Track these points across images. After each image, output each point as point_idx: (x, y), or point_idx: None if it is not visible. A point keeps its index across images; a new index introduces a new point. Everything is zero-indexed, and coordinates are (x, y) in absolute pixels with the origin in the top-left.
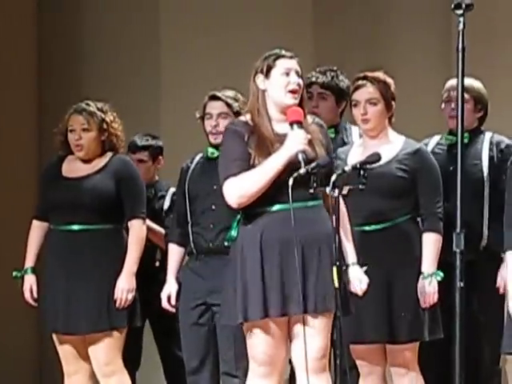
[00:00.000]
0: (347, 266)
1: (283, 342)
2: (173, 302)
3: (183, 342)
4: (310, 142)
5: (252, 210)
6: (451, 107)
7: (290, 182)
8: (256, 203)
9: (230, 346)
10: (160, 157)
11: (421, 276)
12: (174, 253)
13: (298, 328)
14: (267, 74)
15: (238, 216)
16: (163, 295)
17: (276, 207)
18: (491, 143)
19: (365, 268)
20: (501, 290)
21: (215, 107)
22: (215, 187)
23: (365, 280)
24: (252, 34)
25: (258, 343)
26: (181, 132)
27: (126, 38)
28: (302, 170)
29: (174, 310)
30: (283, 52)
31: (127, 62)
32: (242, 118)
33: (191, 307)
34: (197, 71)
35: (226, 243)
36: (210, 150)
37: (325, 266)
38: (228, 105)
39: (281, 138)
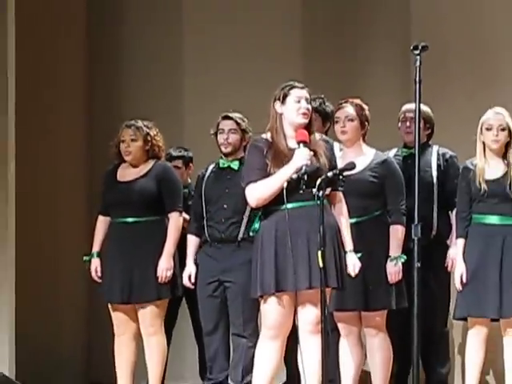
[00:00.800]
0: (345, 252)
1: (291, 312)
2: (192, 279)
3: (201, 311)
4: (316, 154)
5: (269, 208)
6: (406, 125)
7: (284, 185)
8: (272, 203)
9: (239, 313)
10: (191, 164)
11: (389, 258)
12: (192, 242)
13: (303, 299)
14: (283, 101)
15: (259, 213)
16: (185, 275)
17: (287, 206)
18: (438, 154)
19: (359, 255)
20: (449, 268)
21: (227, 124)
22: (227, 191)
23: (357, 265)
24: (257, 65)
25: (271, 311)
26: (199, 146)
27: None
28: (294, 176)
29: (193, 287)
30: (296, 83)
31: (158, 85)
32: (263, 135)
33: (207, 283)
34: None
35: (251, 234)
36: (222, 161)
37: (328, 251)
38: (237, 123)
39: (293, 152)
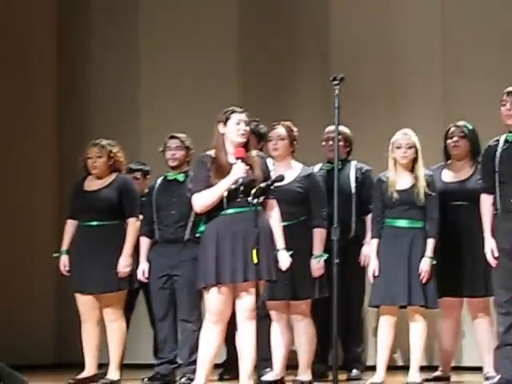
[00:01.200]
0: (277, 250)
1: (230, 301)
2: (146, 275)
3: (153, 300)
4: (252, 168)
5: (212, 213)
6: (329, 144)
7: (225, 194)
8: (214, 209)
9: (185, 302)
10: (148, 176)
11: (313, 256)
12: (145, 242)
13: (240, 290)
14: (225, 123)
15: (204, 217)
16: (139, 271)
17: (227, 211)
18: (356, 168)
19: (290, 252)
20: (362, 264)
21: (173, 143)
22: (174, 199)
23: (287, 261)
24: (201, 94)
25: (213, 300)
26: (153, 161)
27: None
28: (233, 186)
29: (146, 281)
30: (236, 109)
31: (119, 110)
32: (208, 152)
33: (158, 277)
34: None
35: (197, 235)
36: (169, 174)
37: (261, 249)
38: (182, 141)
39: (232, 166)
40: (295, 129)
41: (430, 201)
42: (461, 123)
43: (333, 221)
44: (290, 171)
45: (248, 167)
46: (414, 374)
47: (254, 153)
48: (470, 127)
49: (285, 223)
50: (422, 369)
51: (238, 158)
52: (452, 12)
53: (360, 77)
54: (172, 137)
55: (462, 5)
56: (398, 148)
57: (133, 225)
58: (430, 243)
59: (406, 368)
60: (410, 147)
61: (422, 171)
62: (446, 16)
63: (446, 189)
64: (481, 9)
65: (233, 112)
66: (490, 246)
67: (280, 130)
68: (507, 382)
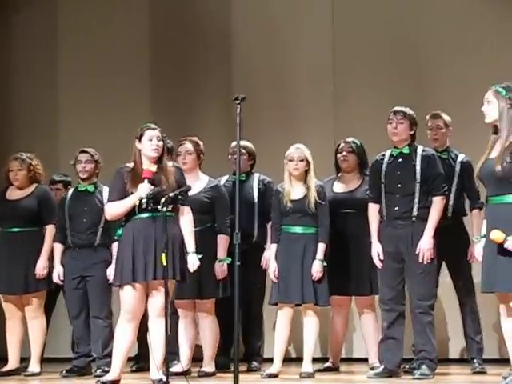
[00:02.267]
0: (188, 253)
1: (143, 299)
2: (61, 277)
3: (68, 300)
4: (166, 178)
5: (128, 218)
6: (234, 158)
7: (137, 203)
8: (130, 214)
9: (97, 300)
10: (69, 186)
11: (217, 260)
12: (58, 248)
13: (152, 289)
14: (140, 139)
15: (122, 222)
16: (54, 274)
17: (141, 216)
18: (259, 180)
19: (200, 256)
20: (264, 266)
21: (84, 156)
22: (85, 208)
23: (196, 263)
24: (116, 112)
25: (128, 298)
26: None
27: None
28: (144, 200)
29: (62, 283)
30: (150, 125)
31: (40, 127)
32: (127, 164)
33: (72, 279)
34: (82, 134)
35: (115, 237)
36: (80, 185)
37: (170, 252)
38: (91, 155)
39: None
40: (201, 143)
41: (321, 209)
42: (349, 139)
43: (235, 227)
44: (198, 182)
45: (153, 187)
46: (307, 365)
47: (170, 163)
48: (358, 143)
49: (195, 229)
50: (315, 360)
51: (144, 178)
52: (342, 35)
53: (260, 96)
54: (82, 151)
55: (352, 27)
56: (291, 161)
57: (50, 231)
58: (321, 247)
59: (300, 360)
60: (301, 160)
61: (313, 182)
62: (336, 38)
63: (336, 198)
64: (370, 31)
65: (146, 129)
66: (377, 249)
67: (188, 146)
68: (389, 371)
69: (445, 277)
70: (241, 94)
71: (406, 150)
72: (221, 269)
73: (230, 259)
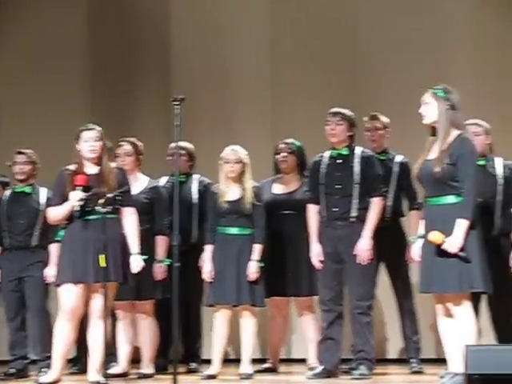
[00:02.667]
0: (131, 254)
1: (82, 300)
2: None
3: (4, 302)
4: (108, 178)
5: (70, 220)
6: (174, 159)
7: (78, 208)
8: (71, 216)
9: (34, 302)
10: (7, 187)
11: (155, 261)
12: None
13: (93, 291)
14: (78, 141)
15: (64, 224)
16: None
17: (81, 218)
18: (198, 181)
19: (144, 257)
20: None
21: (21, 158)
22: (21, 210)
23: (140, 265)
24: (55, 115)
25: (66, 298)
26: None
27: None
28: (76, 208)
29: None
30: (88, 126)
31: None
32: (69, 166)
33: (9, 280)
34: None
35: (56, 239)
36: (17, 187)
37: (110, 254)
38: (28, 157)
39: (91, 177)
40: (140, 144)
41: (257, 210)
42: (289, 140)
43: (176, 228)
44: (138, 183)
45: (84, 194)
46: (246, 366)
47: (113, 164)
48: (297, 144)
49: None
50: (254, 361)
51: (77, 186)
52: (280, 35)
53: (199, 96)
54: (19, 152)
55: (290, 27)
56: (227, 163)
57: None
58: (257, 248)
59: (238, 361)
60: (237, 162)
61: (249, 183)
62: (274, 39)
63: (275, 199)
64: (308, 30)
65: (82, 130)
66: (316, 250)
67: (126, 147)
68: (328, 371)
69: (383, 277)
70: (180, 94)
71: (344, 151)
72: (160, 270)
73: (169, 260)
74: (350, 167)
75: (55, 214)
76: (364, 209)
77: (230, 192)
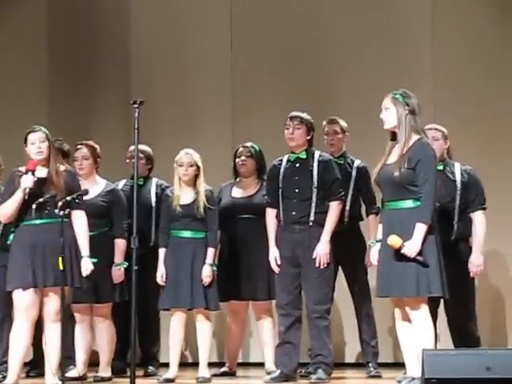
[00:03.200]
0: (82, 257)
1: (36, 303)
2: None
3: None
4: (56, 180)
5: (20, 224)
6: (132, 161)
7: (34, 206)
8: (23, 219)
9: None
10: None
11: (114, 264)
12: None
13: (46, 294)
14: (26, 143)
15: (12, 228)
16: None
17: (35, 222)
18: (156, 184)
19: (94, 260)
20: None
21: None
22: None
23: (89, 268)
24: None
25: (20, 301)
26: None
27: None
28: (27, 190)
29: None
30: (34, 128)
31: None
32: (21, 168)
33: None
34: None
35: (8, 242)
36: None
37: (67, 257)
38: None
39: (40, 180)
40: (97, 147)
41: (210, 214)
42: (248, 144)
43: (132, 231)
44: (96, 186)
45: (36, 178)
46: (204, 370)
47: (62, 167)
48: (257, 147)
49: (90, 233)
50: (212, 365)
51: (28, 170)
52: (241, 35)
53: (158, 99)
54: None
55: (250, 27)
56: (181, 166)
57: None
58: (211, 251)
59: (196, 364)
60: (191, 165)
61: (202, 187)
62: (235, 40)
63: (234, 203)
64: (269, 31)
65: (29, 132)
66: (274, 254)
67: (84, 151)
68: (286, 375)
69: (341, 281)
70: (139, 96)
71: (303, 155)
72: (118, 273)
73: (126, 263)
74: (309, 171)
75: (6, 207)
76: (322, 213)
77: (183, 195)
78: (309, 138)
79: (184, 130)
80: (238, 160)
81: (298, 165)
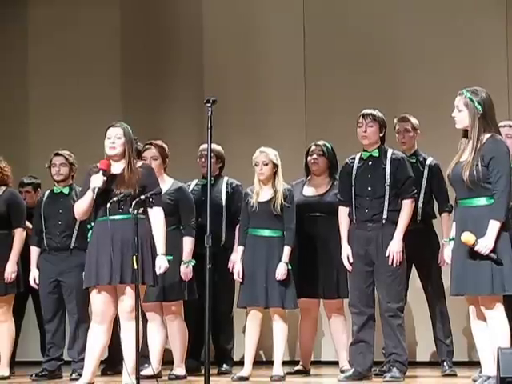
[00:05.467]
0: (157, 255)
1: (112, 302)
2: (37, 281)
3: (42, 304)
4: (129, 177)
5: (96, 221)
6: (202, 161)
7: (108, 205)
8: (98, 216)
9: (73, 304)
10: (39, 189)
11: (182, 262)
12: (35, 251)
13: (121, 292)
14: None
15: (90, 225)
16: (30, 278)
17: (109, 218)
18: (227, 184)
19: (170, 257)
20: (230, 269)
21: (58, 160)
22: (60, 211)
23: (164, 266)
24: (87, 116)
25: (96, 301)
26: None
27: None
28: (96, 190)
29: (37, 287)
30: (114, 124)
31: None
32: (98, 164)
33: (47, 283)
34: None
35: (88, 240)
36: (55, 188)
37: (139, 255)
38: (66, 158)
39: (111, 177)
40: (166, 147)
41: (287, 212)
42: (320, 142)
43: (205, 230)
44: (163, 185)
45: (106, 178)
46: (278, 368)
47: (138, 163)
48: (329, 146)
49: None
50: (285, 363)
51: (99, 169)
52: (314, 40)
53: (231, 98)
54: (57, 154)
55: (324, 32)
56: (256, 165)
57: (19, 235)
58: (287, 250)
59: (270, 363)
60: (266, 164)
61: (280, 185)
62: (308, 44)
63: (305, 201)
64: (341, 33)
65: (109, 127)
66: (347, 252)
67: (153, 151)
68: (360, 373)
69: (415, 280)
70: (212, 96)
71: (375, 153)
72: (186, 270)
73: (194, 261)
74: (382, 169)
75: (80, 204)
76: (395, 211)
77: (262, 193)
78: (381, 135)
79: (256, 127)
80: (309, 158)
81: (370, 163)
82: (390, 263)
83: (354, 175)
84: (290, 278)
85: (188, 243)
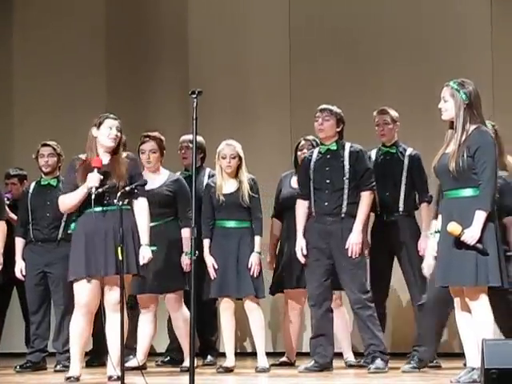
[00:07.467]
0: (141, 245)
1: (97, 293)
2: (24, 272)
3: (28, 296)
4: (118, 168)
5: (81, 212)
6: (183, 152)
7: (93, 196)
8: (82, 208)
9: (59, 296)
10: (25, 181)
11: (184, 253)
12: (20, 242)
13: (107, 284)
14: (99, 127)
15: (74, 217)
16: (16, 269)
17: (94, 210)
18: (209, 175)
19: (153, 248)
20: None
21: (46, 150)
22: (48, 203)
23: (147, 256)
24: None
25: (80, 292)
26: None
27: None
28: (93, 190)
29: (23, 278)
30: (110, 115)
31: None
32: (81, 155)
33: (33, 274)
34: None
35: (69, 232)
36: (42, 179)
37: (125, 246)
38: (53, 149)
39: (103, 167)
40: (163, 138)
41: (254, 202)
42: (310, 137)
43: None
44: (160, 176)
45: (101, 177)
46: (262, 360)
47: (124, 154)
48: (318, 141)
49: (155, 223)
50: (271, 354)
51: (94, 168)
52: (298, 30)
53: (215, 89)
54: (44, 144)
55: (308, 23)
56: (223, 158)
57: (1, 227)
58: (258, 240)
59: (255, 354)
60: (233, 157)
61: (245, 176)
62: (293, 32)
63: (294, 193)
64: (323, 30)
65: (106, 118)
66: (301, 244)
67: (151, 144)
68: (320, 365)
69: (397, 270)
70: (197, 86)
71: (333, 147)
72: (187, 261)
73: (197, 252)
74: (340, 162)
75: (68, 200)
76: (354, 203)
77: (226, 185)
78: (338, 129)
79: (240, 119)
80: (299, 153)
81: (328, 156)
82: (349, 255)
83: (312, 169)
84: (261, 268)
85: (187, 234)
